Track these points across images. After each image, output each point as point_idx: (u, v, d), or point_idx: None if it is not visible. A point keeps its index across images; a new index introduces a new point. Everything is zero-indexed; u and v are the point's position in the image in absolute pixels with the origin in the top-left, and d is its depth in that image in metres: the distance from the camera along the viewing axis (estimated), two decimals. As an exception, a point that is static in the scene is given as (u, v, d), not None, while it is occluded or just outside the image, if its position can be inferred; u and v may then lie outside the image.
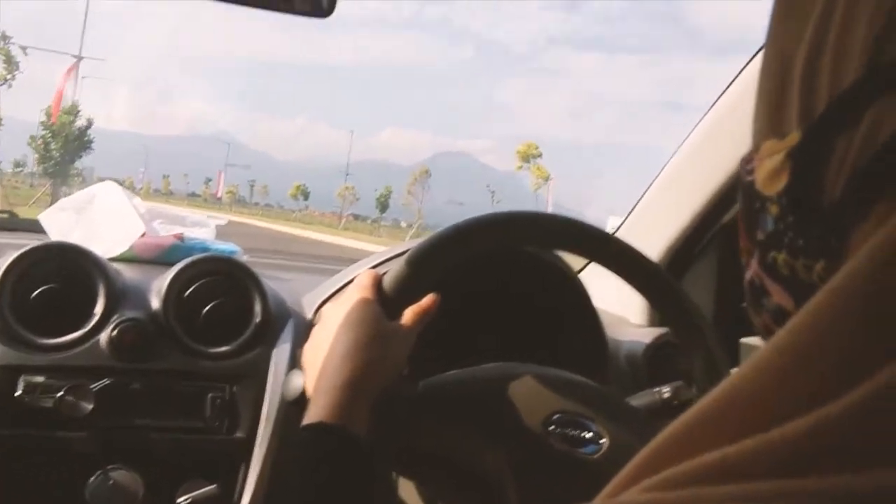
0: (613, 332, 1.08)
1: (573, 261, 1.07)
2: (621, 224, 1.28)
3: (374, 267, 0.98)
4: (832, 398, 0.24)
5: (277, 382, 0.91)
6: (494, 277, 1.00)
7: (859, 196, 0.28)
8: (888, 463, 0.23)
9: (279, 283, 1.06)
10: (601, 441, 0.70)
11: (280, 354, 0.93)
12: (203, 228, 1.19)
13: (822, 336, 0.26)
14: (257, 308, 0.94)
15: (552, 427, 0.70)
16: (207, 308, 0.92)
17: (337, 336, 0.66)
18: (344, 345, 0.65)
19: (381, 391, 0.65)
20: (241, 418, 0.90)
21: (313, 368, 0.67)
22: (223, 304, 0.93)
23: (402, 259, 0.72)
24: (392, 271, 0.71)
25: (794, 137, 0.30)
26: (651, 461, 0.28)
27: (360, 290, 0.70)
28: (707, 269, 1.21)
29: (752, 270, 0.34)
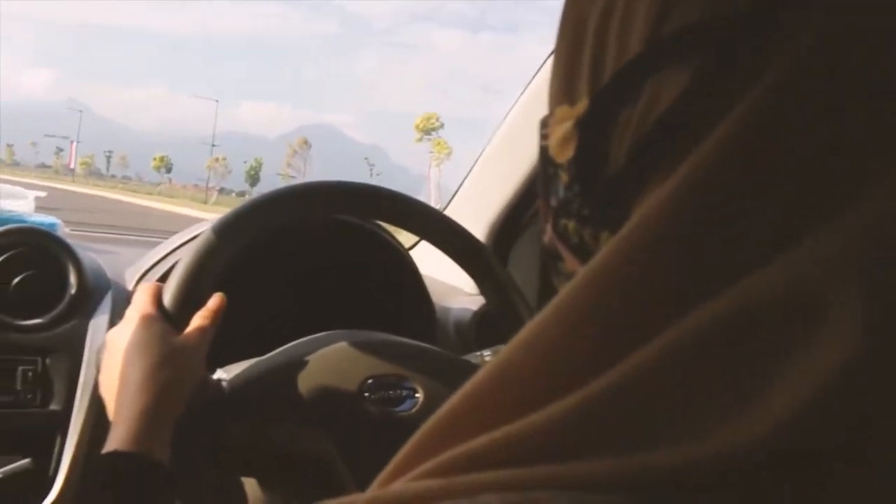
0: (444, 300, 1.13)
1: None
2: (452, 197, 1.33)
3: (187, 242, 0.98)
4: (596, 375, 0.24)
5: (94, 353, 0.91)
6: (314, 251, 1.03)
7: (638, 168, 0.28)
8: (652, 444, 0.23)
9: (103, 255, 1.05)
10: (416, 395, 0.72)
11: (97, 326, 0.92)
12: (20, 201, 1.15)
13: (586, 309, 0.25)
14: (72, 280, 0.93)
15: (366, 393, 0.72)
16: (17, 280, 0.90)
17: (125, 364, 0.64)
18: (134, 373, 0.63)
19: (183, 407, 0.64)
20: (55, 391, 0.89)
21: (109, 398, 0.65)
22: (35, 276, 0.91)
23: (178, 265, 0.70)
24: (169, 281, 0.69)
25: (582, 105, 0.30)
26: (424, 446, 0.27)
27: (139, 310, 0.68)
28: (533, 239, 1.27)
29: (547, 235, 0.34)
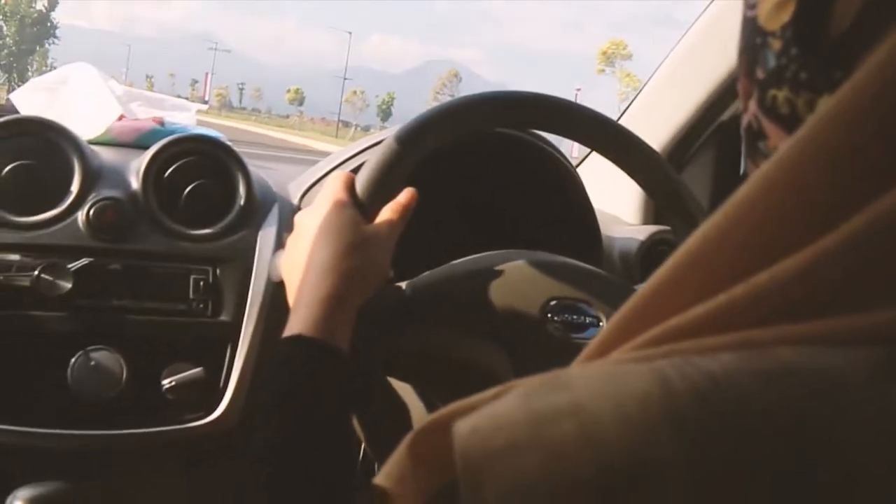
0: (608, 230, 1.07)
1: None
2: (620, 116, 1.24)
3: (355, 155, 0.95)
4: (827, 230, 0.24)
5: (263, 265, 0.90)
6: (486, 164, 0.98)
7: (869, 25, 0.27)
8: (887, 300, 0.23)
9: (266, 171, 1.04)
10: (601, 324, 0.69)
11: (266, 237, 0.91)
12: (184, 112, 1.16)
13: (812, 165, 0.25)
14: (241, 190, 0.92)
15: (549, 314, 0.69)
16: (189, 189, 0.90)
17: (314, 247, 0.63)
18: (322, 256, 0.61)
19: (365, 299, 0.62)
20: (225, 301, 0.89)
21: (292, 282, 0.64)
22: (205, 186, 0.91)
23: (374, 154, 0.68)
24: (363, 170, 0.67)
25: None
26: (631, 322, 0.28)
27: (332, 196, 0.66)
28: (705, 167, 1.19)
29: (749, 113, 0.33)
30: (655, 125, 1.17)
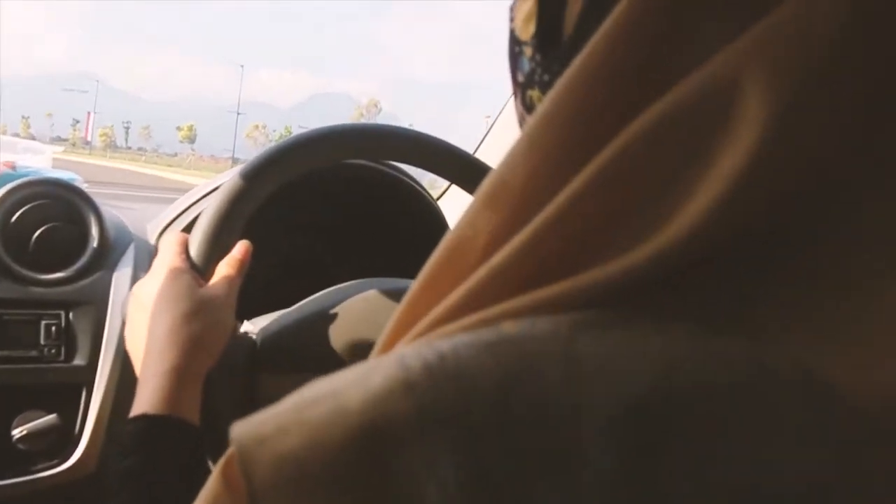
0: None
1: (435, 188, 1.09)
2: (478, 146, 1.30)
3: (213, 191, 0.97)
4: (541, 208, 0.27)
5: (118, 307, 0.90)
6: (350, 196, 1.01)
7: (586, 29, 0.31)
8: (589, 264, 0.26)
9: (123, 211, 1.04)
10: None
11: (121, 279, 0.91)
12: (37, 155, 1.14)
13: (528, 154, 0.28)
14: (94, 232, 0.92)
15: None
16: (38, 233, 0.89)
17: (154, 317, 0.63)
18: (161, 327, 0.62)
19: (213, 361, 0.63)
20: (79, 345, 0.88)
21: (135, 354, 0.64)
22: (57, 229, 0.90)
23: (206, 210, 0.68)
24: (195, 230, 0.68)
25: None
26: (410, 310, 0.31)
27: (165, 262, 0.66)
28: None
29: (518, 111, 0.38)
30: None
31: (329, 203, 0.97)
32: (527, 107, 0.36)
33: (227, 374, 0.65)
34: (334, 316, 0.72)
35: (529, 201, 0.28)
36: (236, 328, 0.70)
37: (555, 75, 0.33)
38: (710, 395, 0.24)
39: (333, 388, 0.26)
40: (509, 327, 0.26)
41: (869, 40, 0.25)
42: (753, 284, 0.26)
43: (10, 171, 0.99)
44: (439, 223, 1.03)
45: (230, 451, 0.27)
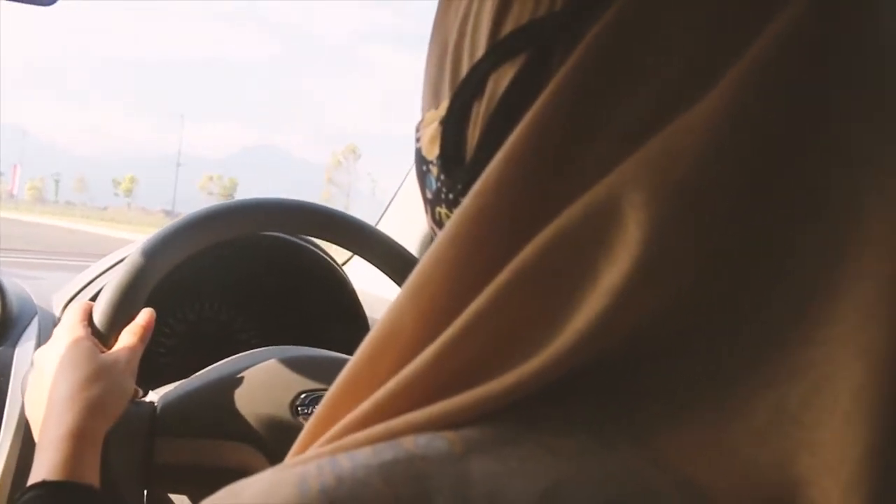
0: (378, 313, 1.15)
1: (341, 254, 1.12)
2: (384, 212, 1.35)
3: (116, 264, 0.98)
4: (445, 327, 0.29)
5: (20, 383, 0.90)
6: (255, 265, 1.04)
7: (485, 152, 0.33)
8: (482, 379, 0.28)
9: (29, 281, 1.04)
10: None
11: (23, 354, 0.92)
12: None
13: (434, 272, 0.30)
14: (-5, 307, 0.93)
15: (300, 407, 0.74)
16: (-64, 309, 0.90)
17: (53, 384, 0.65)
18: (61, 392, 0.63)
19: (111, 423, 0.65)
20: (-22, 421, 0.88)
21: (35, 421, 0.66)
22: (-45, 305, 0.91)
23: (109, 282, 0.71)
24: (99, 299, 0.71)
25: (444, 106, 0.36)
26: (326, 414, 0.32)
27: (68, 329, 0.69)
28: None
29: (429, 224, 0.40)
30: (412, 220, 1.27)
31: (235, 271, 1.00)
32: (436, 222, 0.38)
33: (124, 437, 0.67)
34: (235, 384, 0.75)
35: (438, 315, 0.30)
36: (137, 393, 0.72)
37: (458, 194, 0.35)
38: None
39: None
40: (408, 444, 0.27)
41: (737, 154, 0.27)
42: (635, 394, 0.28)
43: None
44: (345, 289, 1.06)
45: None
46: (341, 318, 1.07)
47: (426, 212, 0.39)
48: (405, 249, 0.87)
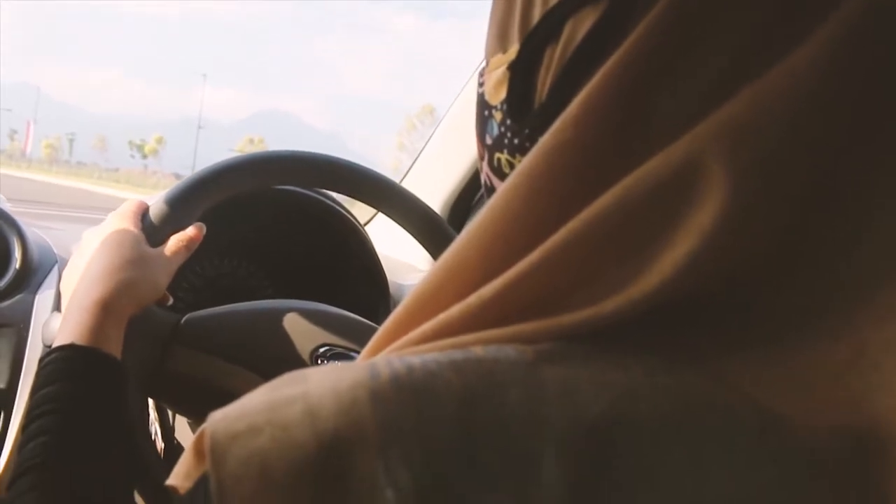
0: (398, 277, 1.16)
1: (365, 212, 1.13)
2: (406, 174, 1.35)
3: None
4: (515, 264, 0.31)
5: (40, 329, 0.91)
6: (277, 221, 1.05)
7: (559, 97, 0.34)
8: (565, 309, 0.30)
9: (49, 231, 1.06)
10: None
11: (43, 300, 0.93)
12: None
13: (508, 209, 0.32)
14: (16, 254, 0.94)
15: (318, 359, 0.75)
16: (-43, 255, 0.91)
17: (93, 258, 0.67)
18: (97, 266, 0.66)
19: (136, 310, 0.67)
20: (-1, 368, 0.90)
21: (67, 292, 0.68)
22: (-24, 251, 0.92)
23: (169, 188, 0.74)
24: (158, 199, 0.73)
25: (513, 51, 0.36)
26: (393, 330, 0.34)
27: (121, 216, 0.71)
28: None
29: (484, 173, 0.40)
30: (437, 181, 1.28)
31: (254, 227, 1.01)
32: (493, 168, 0.39)
33: (143, 334, 0.69)
34: (261, 319, 0.77)
35: (512, 247, 0.31)
36: (166, 298, 0.74)
37: (525, 139, 0.36)
38: (663, 422, 0.28)
39: (305, 390, 0.29)
40: (478, 351, 0.29)
41: (825, 121, 0.29)
42: (713, 328, 0.30)
43: (-68, 190, 1.00)
44: (366, 250, 1.07)
45: (203, 433, 0.30)
46: (361, 278, 1.08)
47: (482, 159, 0.40)
48: (429, 208, 0.88)
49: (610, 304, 0.29)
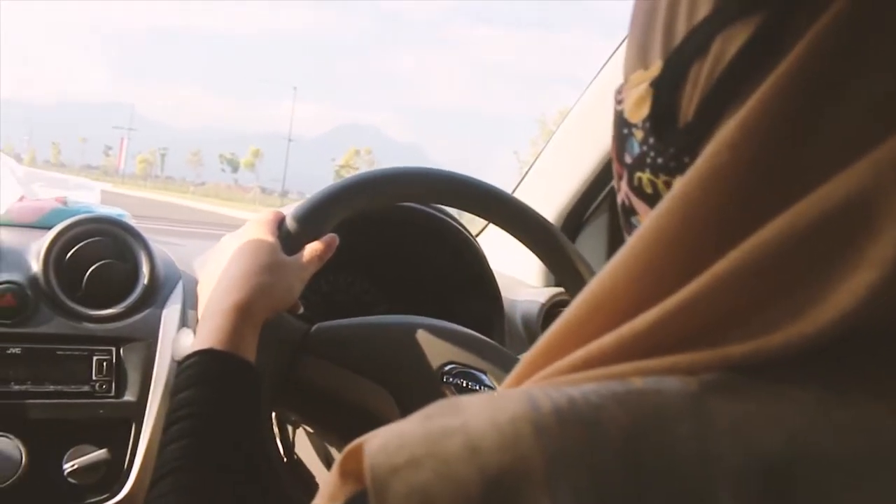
0: (510, 293, 1.15)
1: (473, 224, 1.13)
2: (516, 187, 1.35)
3: None
4: (670, 293, 0.30)
5: (167, 343, 0.94)
6: (391, 236, 1.06)
7: (707, 116, 0.33)
8: (731, 339, 0.29)
9: (171, 247, 1.09)
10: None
11: (170, 315, 0.96)
12: (88, 191, 1.21)
13: (662, 237, 0.31)
14: (144, 269, 0.97)
15: (445, 377, 0.76)
16: (91, 270, 0.95)
17: (230, 263, 0.69)
18: (235, 270, 0.68)
19: (271, 318, 0.68)
20: (129, 381, 0.93)
21: (204, 296, 0.70)
22: (109, 266, 0.96)
23: (307, 199, 0.76)
24: (295, 207, 0.76)
25: (656, 68, 0.35)
26: (539, 358, 0.34)
27: (259, 224, 0.74)
28: (597, 233, 1.30)
29: (622, 192, 0.40)
30: (549, 194, 1.27)
31: (367, 242, 1.02)
32: (634, 188, 0.38)
33: (274, 340, 0.70)
34: (390, 333, 0.79)
35: (665, 276, 0.31)
36: (298, 306, 0.76)
37: (670, 158, 0.35)
38: (849, 460, 0.27)
39: (464, 422, 0.28)
40: (637, 382, 0.29)
41: None
42: (885, 361, 0.29)
43: (61, 206, 1.04)
44: (481, 263, 1.07)
45: (351, 455, 0.30)
46: (476, 292, 1.08)
47: (620, 178, 0.39)
48: (545, 219, 0.87)
49: (779, 337, 0.28)
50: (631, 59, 0.38)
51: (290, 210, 0.76)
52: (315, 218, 0.75)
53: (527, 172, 1.34)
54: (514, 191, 1.35)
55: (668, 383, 0.28)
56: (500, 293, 1.09)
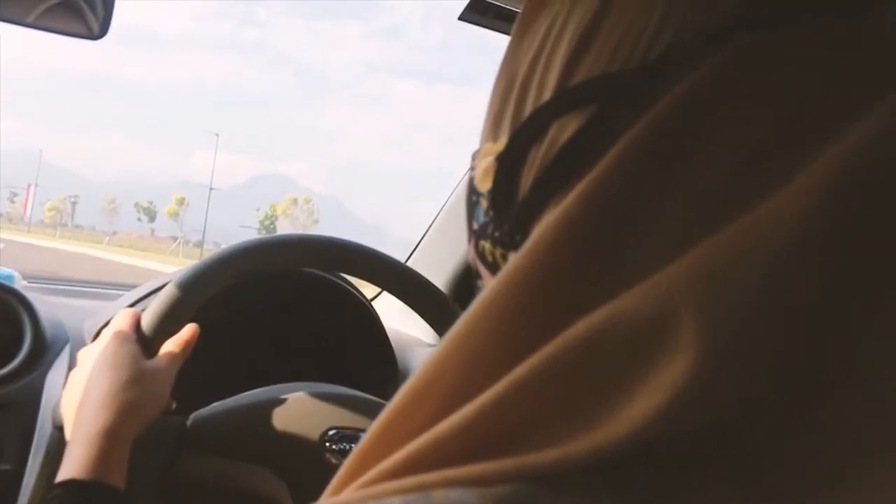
0: (405, 351, 1.17)
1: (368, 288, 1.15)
2: (411, 253, 1.38)
3: (151, 293, 1.02)
4: (485, 388, 0.29)
5: (50, 410, 0.93)
6: (286, 301, 1.07)
7: (538, 197, 0.33)
8: (528, 447, 0.28)
9: (62, 308, 1.08)
10: None
11: (54, 380, 0.95)
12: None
13: (481, 326, 0.31)
14: (28, 335, 0.96)
15: (328, 443, 0.77)
16: (-30, 335, 0.93)
17: (91, 381, 0.68)
18: (98, 391, 0.67)
19: (142, 429, 0.68)
20: (6, 449, 0.91)
21: (69, 415, 0.69)
22: (-10, 331, 0.94)
23: (161, 293, 0.76)
24: (149, 308, 0.75)
25: (502, 142, 0.36)
26: (361, 459, 0.33)
27: (115, 332, 0.72)
28: None
29: (470, 255, 0.40)
30: (442, 260, 1.30)
31: (260, 308, 1.03)
32: (479, 254, 0.38)
33: (150, 445, 0.70)
34: (267, 410, 0.78)
35: (480, 370, 0.30)
36: (170, 405, 0.75)
37: (504, 234, 0.36)
38: None
39: None
40: (439, 496, 0.28)
41: (806, 267, 0.26)
42: (675, 486, 0.29)
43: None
44: (376, 328, 1.09)
45: None
46: (370, 354, 1.09)
47: (469, 241, 0.40)
48: (436, 287, 0.90)
49: (575, 447, 0.27)
50: (486, 129, 0.39)
51: (145, 311, 0.75)
52: (170, 313, 0.74)
53: (420, 239, 1.37)
54: (410, 255, 1.38)
55: (468, 497, 0.28)
56: (394, 353, 1.11)
